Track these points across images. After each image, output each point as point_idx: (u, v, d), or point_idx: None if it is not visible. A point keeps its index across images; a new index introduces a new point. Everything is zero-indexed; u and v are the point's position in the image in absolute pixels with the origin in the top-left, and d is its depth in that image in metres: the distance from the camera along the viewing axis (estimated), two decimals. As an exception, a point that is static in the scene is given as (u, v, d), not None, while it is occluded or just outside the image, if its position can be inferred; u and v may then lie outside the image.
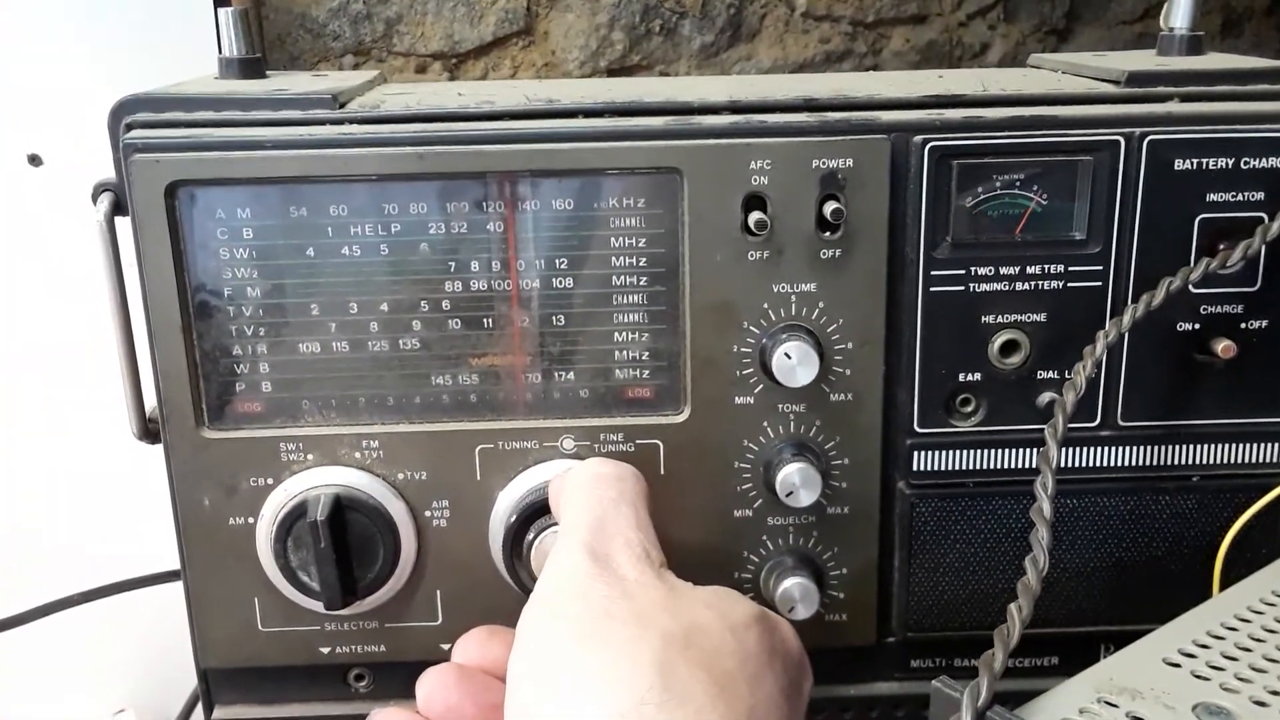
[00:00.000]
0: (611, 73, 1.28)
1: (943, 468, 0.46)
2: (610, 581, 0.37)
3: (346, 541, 0.44)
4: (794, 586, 0.45)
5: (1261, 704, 0.34)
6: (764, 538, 0.46)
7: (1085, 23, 1.53)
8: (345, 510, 0.44)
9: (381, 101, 0.46)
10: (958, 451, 0.46)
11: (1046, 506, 0.38)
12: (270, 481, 0.45)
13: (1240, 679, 0.35)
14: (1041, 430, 0.41)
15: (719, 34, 1.33)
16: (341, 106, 0.44)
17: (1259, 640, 0.37)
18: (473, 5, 1.18)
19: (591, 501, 0.40)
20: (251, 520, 0.45)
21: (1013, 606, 0.36)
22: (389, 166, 0.42)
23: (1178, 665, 0.36)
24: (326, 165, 0.42)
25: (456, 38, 1.19)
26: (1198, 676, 0.35)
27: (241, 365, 0.45)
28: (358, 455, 0.45)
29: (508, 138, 0.43)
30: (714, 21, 1.33)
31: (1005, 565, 0.47)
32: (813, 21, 1.40)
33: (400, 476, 0.45)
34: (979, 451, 0.46)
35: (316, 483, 0.45)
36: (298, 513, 0.44)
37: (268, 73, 0.50)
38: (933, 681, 0.33)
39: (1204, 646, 0.37)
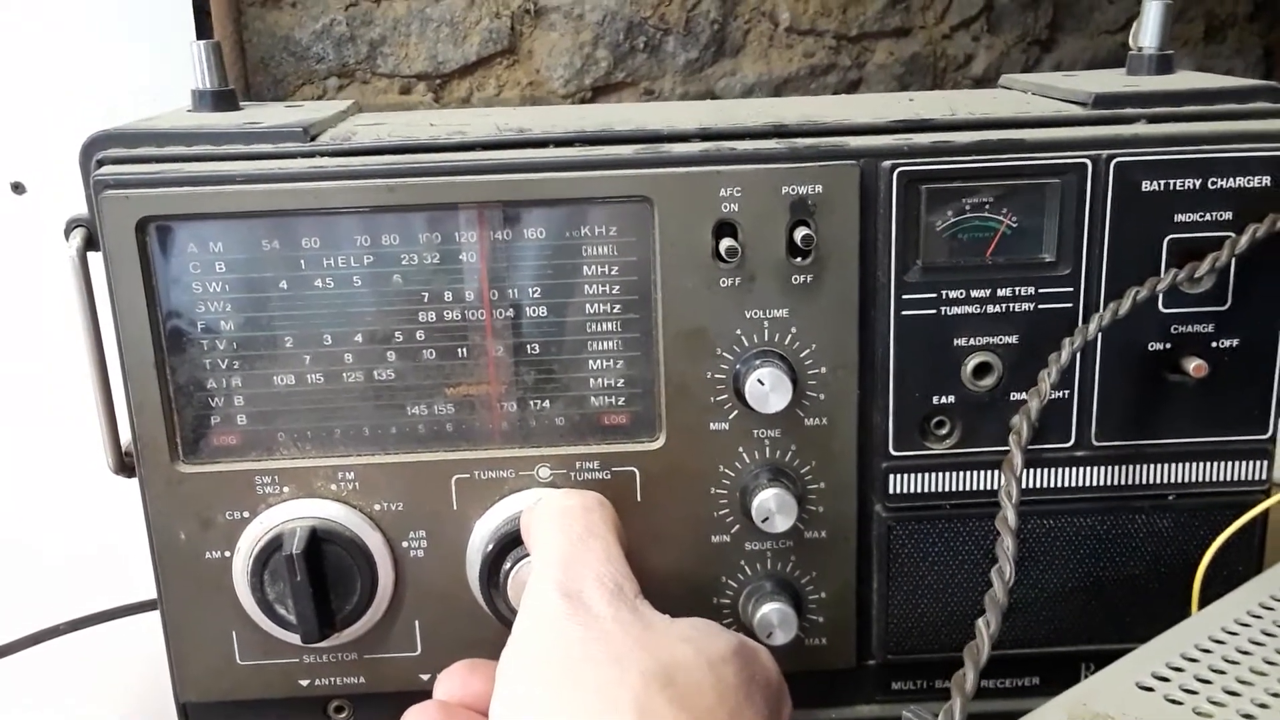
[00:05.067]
0: (596, 90, 1.29)
1: (919, 490, 0.46)
2: (586, 621, 0.36)
3: (323, 574, 0.44)
4: (772, 612, 0.45)
5: (1234, 728, 0.34)
6: (742, 563, 0.46)
7: (1068, 33, 1.54)
8: (322, 543, 0.44)
9: (354, 133, 0.46)
10: (933, 474, 0.46)
11: (1011, 515, 0.39)
12: (246, 514, 0.45)
13: (1213, 703, 0.35)
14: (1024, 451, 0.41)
15: (703, 50, 1.34)
16: (313, 139, 0.44)
17: (1233, 662, 0.37)
18: (456, 25, 1.19)
19: (560, 537, 0.40)
20: (228, 554, 0.45)
21: (980, 622, 0.36)
22: (360, 199, 0.43)
23: (1151, 689, 0.36)
24: (298, 198, 0.42)
25: (440, 58, 1.19)
26: (1171, 700, 0.35)
27: (216, 399, 0.45)
28: (334, 487, 0.45)
29: (479, 169, 0.43)
30: (698, 38, 1.33)
31: (983, 586, 0.46)
32: (796, 36, 1.40)
33: (377, 508, 0.45)
34: (954, 473, 0.46)
35: (292, 515, 0.45)
36: (274, 546, 0.44)
37: (241, 104, 0.51)
38: (903, 712, 0.33)
39: (1178, 669, 0.37)
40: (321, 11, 1.11)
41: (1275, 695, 0.35)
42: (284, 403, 0.45)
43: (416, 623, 0.46)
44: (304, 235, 0.43)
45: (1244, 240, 0.41)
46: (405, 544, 0.46)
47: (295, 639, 0.45)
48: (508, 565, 0.44)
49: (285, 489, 0.45)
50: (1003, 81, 0.56)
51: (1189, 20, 1.57)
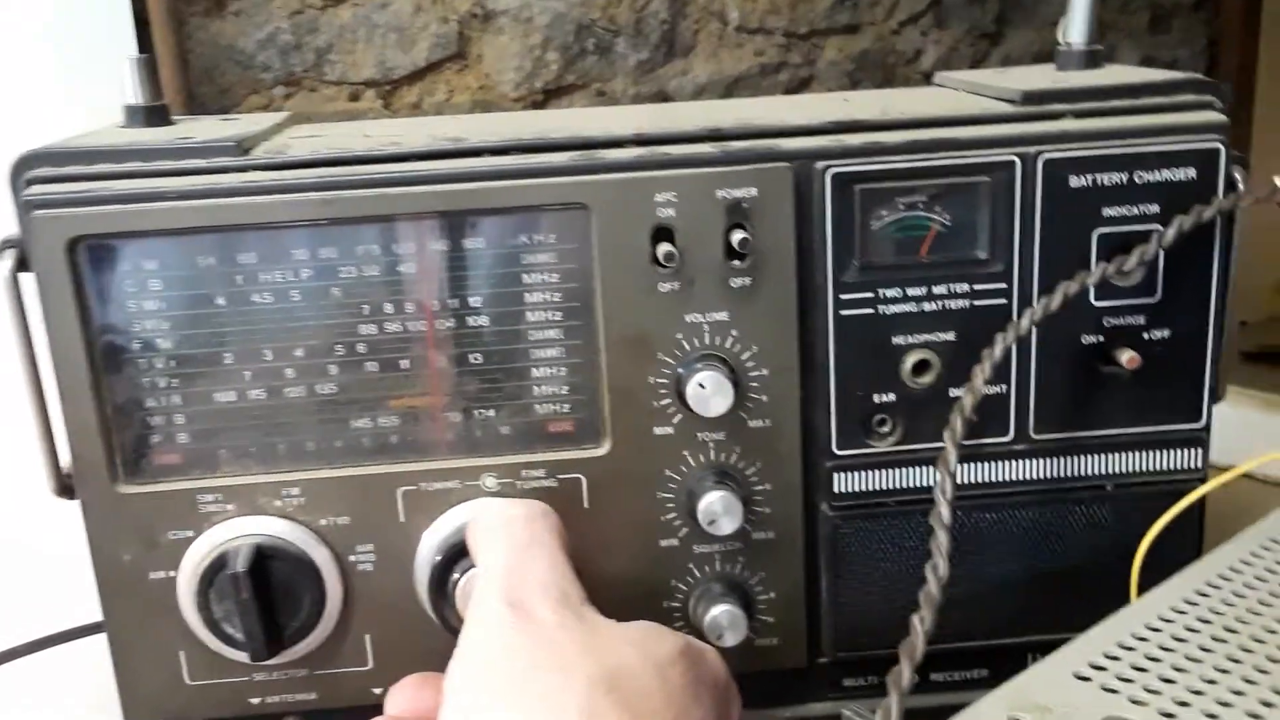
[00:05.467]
0: (548, 93, 1.29)
1: (864, 488, 0.47)
2: (531, 630, 0.37)
3: (270, 591, 0.44)
4: (722, 614, 0.45)
5: (1169, 715, 0.34)
6: (691, 566, 0.47)
7: (1015, 26, 1.56)
8: (267, 560, 0.44)
9: (288, 146, 0.46)
10: (878, 471, 0.46)
11: (945, 511, 0.39)
12: (190, 534, 0.45)
13: (1149, 690, 0.35)
14: (961, 447, 0.42)
15: (654, 50, 1.34)
16: (246, 152, 0.44)
17: (1168, 650, 0.38)
18: (404, 31, 1.18)
19: (505, 547, 0.40)
20: (173, 574, 0.45)
21: (915, 618, 0.36)
22: (295, 213, 0.42)
23: (1088, 679, 0.36)
24: (231, 214, 0.42)
25: (389, 64, 1.18)
26: (1107, 690, 0.36)
27: (155, 418, 0.44)
28: (278, 503, 0.45)
29: (414, 180, 0.43)
30: (648, 39, 1.34)
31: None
32: (746, 35, 1.41)
33: (323, 522, 0.45)
34: (898, 470, 0.46)
35: (237, 533, 0.44)
36: (218, 565, 0.44)
37: (175, 119, 0.50)
38: (843, 711, 0.33)
39: (1114, 658, 0.37)
40: (266, 20, 1.10)
41: (1209, 681, 0.36)
42: (225, 420, 0.45)
43: (367, 637, 0.46)
44: (240, 250, 0.43)
45: (1170, 233, 0.42)
46: (353, 558, 0.45)
47: (244, 657, 0.44)
48: (455, 576, 0.44)
49: (229, 506, 0.45)
50: (937, 79, 0.57)
51: (1133, 10, 1.59)
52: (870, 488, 0.47)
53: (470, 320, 0.44)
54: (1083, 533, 0.47)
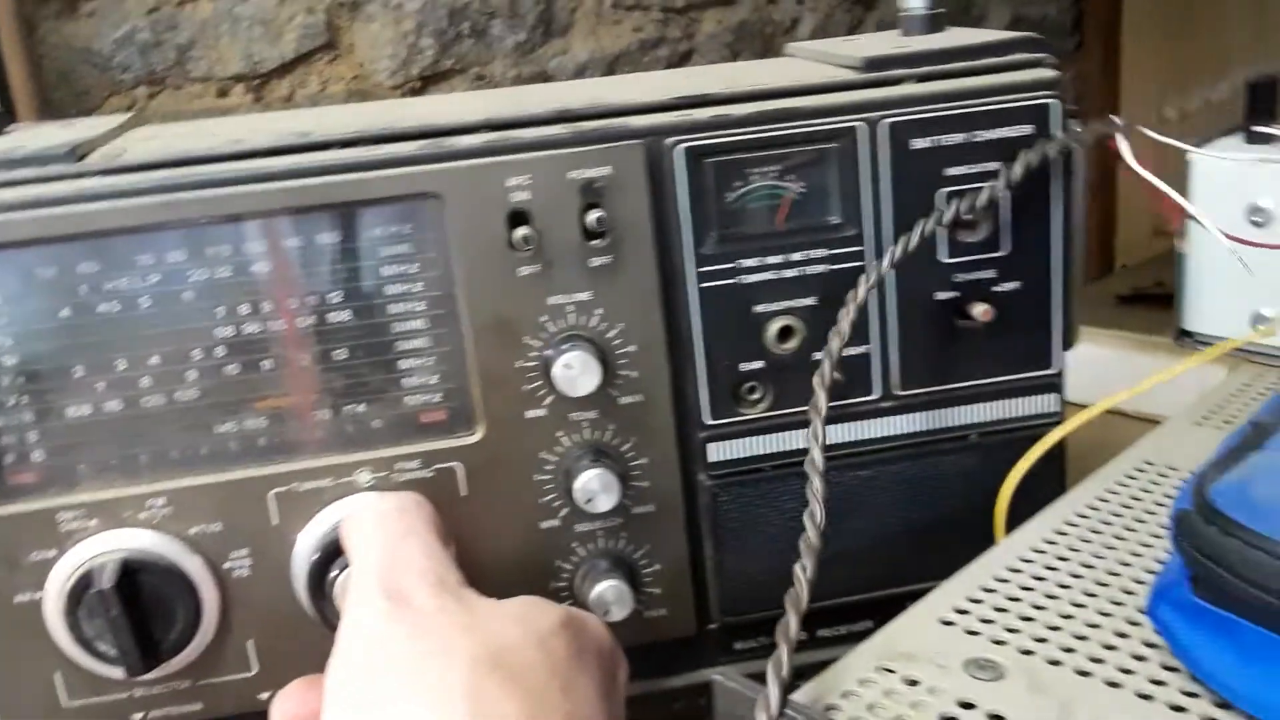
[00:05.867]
0: (425, 80, 1.27)
1: (739, 455, 0.47)
2: (409, 618, 0.36)
3: (141, 605, 0.43)
4: (607, 590, 0.46)
5: (1028, 652, 0.36)
6: (574, 545, 0.47)
7: (888, -9, 1.58)
8: (136, 574, 0.43)
9: (127, 149, 0.44)
10: (751, 438, 0.47)
11: (818, 456, 0.40)
12: (53, 553, 0.43)
13: (1009, 630, 0.37)
14: (829, 407, 0.43)
15: (531, 31, 1.33)
16: (81, 159, 0.42)
17: (1028, 589, 0.39)
18: (269, 23, 1.15)
19: (377, 540, 0.39)
20: (38, 595, 0.43)
21: (797, 568, 0.37)
22: (136, 218, 0.41)
23: (952, 623, 0.38)
24: (69, 223, 0.41)
25: (257, 58, 1.15)
26: (970, 632, 0.37)
27: (5, 437, 0.43)
28: (143, 515, 0.44)
29: (259, 176, 0.42)
30: (524, 19, 1.32)
31: (808, 541, 0.48)
32: (623, 11, 1.41)
33: (193, 531, 0.44)
34: (771, 436, 0.47)
35: (102, 549, 0.43)
36: (85, 583, 0.42)
37: (9, 128, 0.48)
38: (713, 676, 0.34)
39: (977, 601, 0.39)
40: (122, 19, 1.06)
41: (1066, 616, 0.37)
42: (82, 434, 0.43)
43: (249, 642, 0.45)
44: (81, 260, 0.41)
45: (1001, 183, 0.43)
46: (228, 565, 0.44)
47: (121, 674, 0.43)
48: (333, 574, 0.43)
49: (92, 522, 0.43)
50: (788, 50, 0.57)
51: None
52: (745, 454, 0.47)
53: (331, 316, 0.44)
54: (953, 482, 0.49)
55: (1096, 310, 0.96)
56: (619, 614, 0.46)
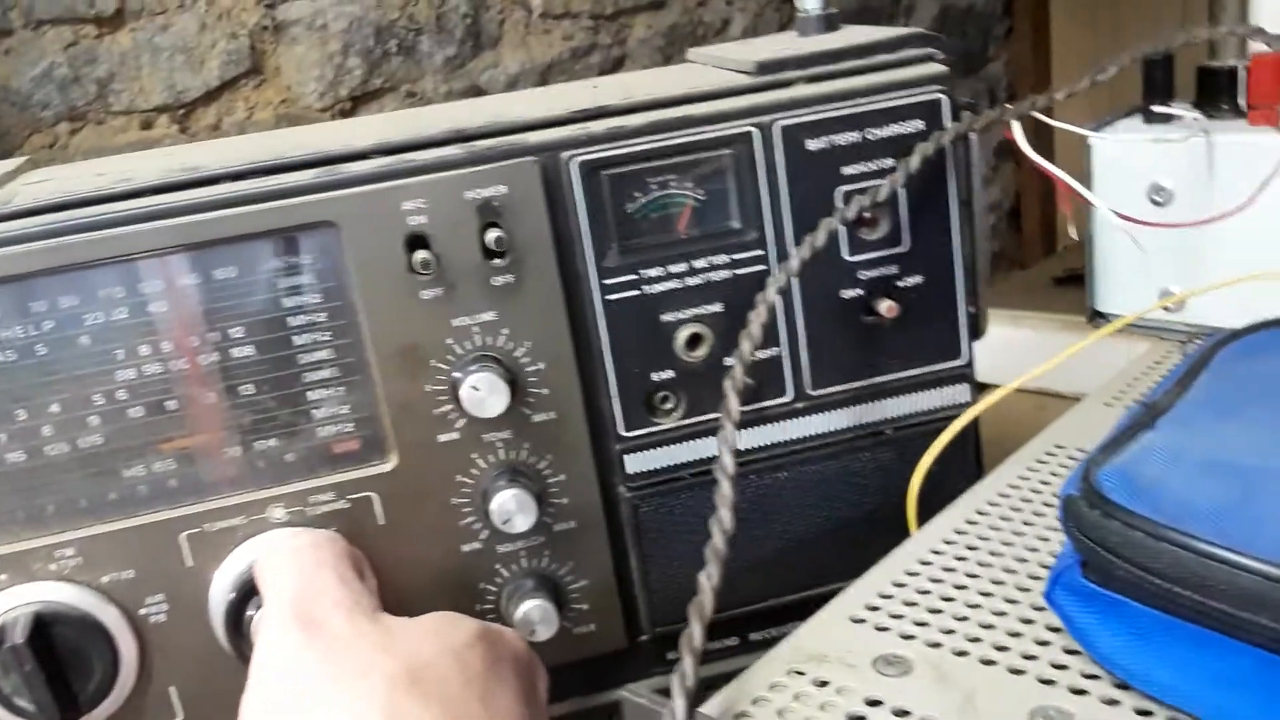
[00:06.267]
0: (355, 100, 1.26)
1: (657, 466, 0.47)
2: (323, 643, 0.36)
3: (57, 658, 0.42)
4: (532, 610, 0.46)
5: (936, 645, 0.36)
6: (498, 566, 0.47)
7: (814, -12, 1.58)
8: (49, 626, 0.42)
9: (14, 195, 0.43)
10: (668, 448, 0.47)
11: (728, 460, 0.40)
12: (-37, 611, 0.42)
13: (918, 623, 0.37)
14: (742, 412, 0.43)
15: (460, 45, 1.33)
16: (-34, 208, 0.42)
17: (938, 580, 0.40)
18: (191, 52, 1.14)
19: (290, 573, 0.39)
20: (-50, 655, 0.43)
21: (702, 576, 0.37)
22: (24, 265, 0.40)
23: (863, 621, 0.38)
24: (-46, 275, 0.40)
25: (180, 87, 1.14)
26: (879, 629, 0.37)
27: (-95, 497, 0.42)
28: (54, 566, 0.43)
29: (150, 215, 0.41)
30: (452, 34, 1.32)
31: (731, 545, 0.48)
32: (552, 21, 1.41)
33: (105, 580, 0.43)
34: (688, 444, 0.47)
35: (12, 604, 0.42)
36: (-4, 639, 0.42)
37: (-104, 179, 0.47)
38: (620, 692, 0.34)
39: (888, 597, 0.39)
40: (39, 55, 1.05)
41: (974, 606, 0.38)
42: (-15, 488, 0.42)
43: (172, 689, 0.45)
44: (-30, 311, 0.41)
45: (898, 177, 0.44)
46: (143, 611, 0.44)
47: (42, 730, 0.43)
48: (250, 613, 0.43)
49: (2, 577, 0.43)
50: (689, 55, 0.57)
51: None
52: (663, 464, 0.47)
53: (235, 352, 0.43)
54: (871, 478, 0.49)
55: (1032, 293, 0.97)
56: (545, 633, 0.46)
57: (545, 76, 1.38)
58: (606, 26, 1.46)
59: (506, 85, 1.36)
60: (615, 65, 1.46)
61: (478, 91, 1.35)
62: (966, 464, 0.49)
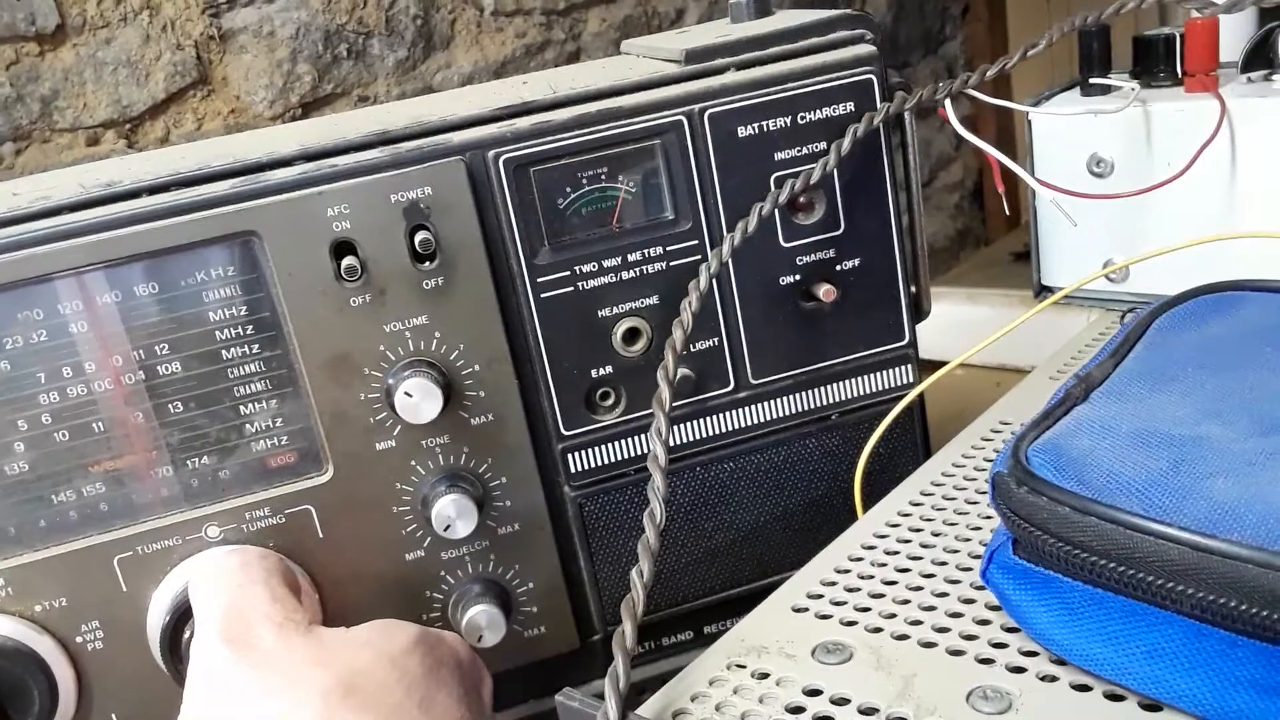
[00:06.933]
0: (305, 107, 1.24)
1: (599, 463, 0.47)
2: (254, 660, 0.36)
3: (-7, 690, 0.41)
4: (478, 615, 0.45)
5: (877, 630, 0.35)
6: (443, 573, 0.46)
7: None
8: (-18, 659, 0.41)
9: (-73, 219, 0.42)
10: (610, 444, 0.47)
11: (661, 453, 0.39)
12: (-107, 648, 0.41)
13: (860, 609, 0.37)
14: (683, 405, 0.42)
15: (411, 47, 1.31)
16: (-126, 235, 0.41)
17: (880, 565, 0.39)
18: (135, 65, 1.12)
19: (221, 591, 0.39)
20: (-118, 693, 0.42)
21: (634, 572, 0.37)
22: (-64, 290, 0.39)
23: (805, 610, 0.37)
24: None
25: (125, 102, 1.12)
26: (821, 617, 0.37)
27: None
28: (-15, 597, 0.42)
29: (66, 233, 0.40)
30: (403, 36, 1.31)
31: (682, 539, 0.48)
32: (505, 19, 1.39)
33: (38, 609, 0.42)
34: (629, 439, 0.47)
35: (-56, 637, 0.41)
36: (-72, 675, 0.41)
37: None
38: (557, 696, 0.34)
39: (831, 584, 0.38)
40: (-23, 76, 1.03)
41: (915, 589, 0.37)
42: (-91, 520, 0.41)
43: (113, 715, 0.44)
44: (-117, 340, 0.40)
45: (831, 159, 0.43)
46: (80, 639, 0.43)
47: (-19, 764, 0.42)
48: (187, 634, 0.42)
49: (-68, 611, 0.42)
50: (623, 47, 0.57)
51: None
52: (607, 461, 0.47)
53: (161, 369, 0.42)
54: (819, 463, 0.49)
55: (991, 270, 0.97)
56: (492, 638, 0.45)
57: (499, 75, 1.37)
58: (559, 22, 1.45)
59: (460, 85, 1.35)
60: (570, 60, 1.45)
61: (431, 93, 1.34)
62: (913, 445, 0.49)
